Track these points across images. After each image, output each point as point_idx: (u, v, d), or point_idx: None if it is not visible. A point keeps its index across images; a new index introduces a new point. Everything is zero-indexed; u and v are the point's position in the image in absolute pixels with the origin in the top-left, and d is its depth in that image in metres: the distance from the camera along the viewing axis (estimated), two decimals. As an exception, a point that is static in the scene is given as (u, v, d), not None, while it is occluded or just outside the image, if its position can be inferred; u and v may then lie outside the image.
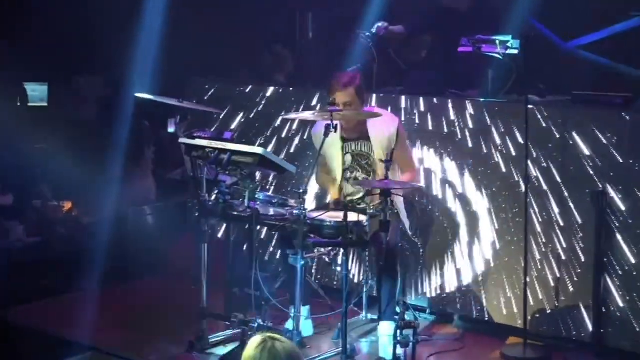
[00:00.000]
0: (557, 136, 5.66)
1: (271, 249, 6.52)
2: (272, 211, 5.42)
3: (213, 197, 5.51)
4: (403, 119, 6.13)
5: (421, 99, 6.14)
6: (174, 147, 6.49)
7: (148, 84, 6.67)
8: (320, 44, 7.30)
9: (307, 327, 5.61)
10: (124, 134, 7.14)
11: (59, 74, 7.47)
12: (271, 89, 6.83)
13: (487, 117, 5.91)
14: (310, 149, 6.38)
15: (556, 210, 5.67)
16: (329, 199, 5.87)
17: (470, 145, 5.99)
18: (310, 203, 6.17)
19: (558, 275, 5.66)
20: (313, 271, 6.38)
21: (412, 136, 6.11)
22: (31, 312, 6.17)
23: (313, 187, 6.27)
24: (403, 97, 6.22)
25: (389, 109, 6.15)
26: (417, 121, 6.17)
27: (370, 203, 5.55)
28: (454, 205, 6.05)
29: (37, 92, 7.43)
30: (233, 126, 6.95)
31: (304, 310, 5.57)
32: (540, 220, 5.72)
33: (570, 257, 5.63)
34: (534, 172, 5.68)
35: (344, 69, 6.24)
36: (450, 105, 6.03)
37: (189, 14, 7.51)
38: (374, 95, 6.26)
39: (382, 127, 5.68)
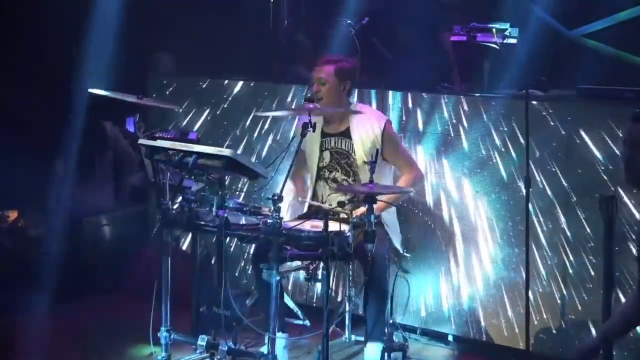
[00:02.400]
0: (563, 135, 5.48)
1: (242, 263, 6.28)
2: (243, 220, 5.31)
3: (177, 205, 5.40)
4: (389, 116, 5.95)
5: (409, 94, 5.99)
6: (133, 149, 6.56)
7: (104, 80, 6.53)
8: (296, 32, 7.26)
9: (282, 358, 5.36)
10: (77, 135, 6.99)
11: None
12: (240, 84, 6.62)
13: (484, 114, 5.72)
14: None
15: (562, 218, 5.52)
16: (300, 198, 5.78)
17: (465, 145, 5.80)
18: (286, 211, 5.99)
19: (564, 291, 5.52)
20: (289, 288, 6.24)
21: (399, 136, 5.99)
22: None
23: (289, 193, 6.03)
24: (390, 93, 6.05)
25: (374, 105, 6.02)
26: (404, 119, 5.98)
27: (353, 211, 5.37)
28: (448, 213, 5.89)
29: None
30: (198, 126, 6.76)
31: (280, 339, 5.34)
32: (545, 229, 5.57)
33: (578, 272, 5.49)
34: (536, 175, 5.49)
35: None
36: (443, 101, 5.86)
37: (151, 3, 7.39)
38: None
39: (366, 126, 5.52)
